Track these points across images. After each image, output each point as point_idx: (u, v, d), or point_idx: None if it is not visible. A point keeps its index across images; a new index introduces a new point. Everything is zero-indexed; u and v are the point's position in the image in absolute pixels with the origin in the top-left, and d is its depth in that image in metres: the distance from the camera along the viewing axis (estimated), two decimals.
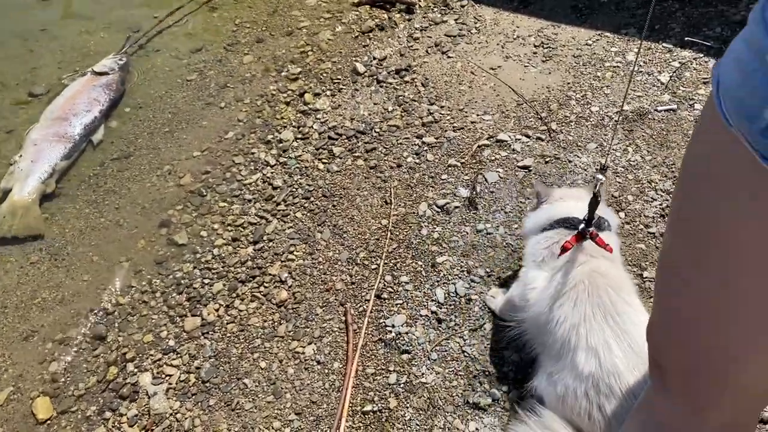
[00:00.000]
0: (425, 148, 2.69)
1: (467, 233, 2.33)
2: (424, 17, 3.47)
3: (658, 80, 2.88)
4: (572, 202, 1.83)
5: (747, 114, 0.60)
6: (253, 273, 2.26)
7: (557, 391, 1.59)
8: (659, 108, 2.73)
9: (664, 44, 3.07)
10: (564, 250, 1.66)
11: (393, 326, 2.06)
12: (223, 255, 2.34)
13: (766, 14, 0.59)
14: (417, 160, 2.64)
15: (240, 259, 2.32)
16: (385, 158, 2.67)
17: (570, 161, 2.55)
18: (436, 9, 3.53)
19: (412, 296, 2.14)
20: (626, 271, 1.80)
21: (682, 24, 3.16)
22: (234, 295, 2.21)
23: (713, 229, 0.71)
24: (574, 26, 3.28)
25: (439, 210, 2.43)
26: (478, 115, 2.82)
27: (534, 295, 1.76)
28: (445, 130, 2.76)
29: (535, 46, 3.17)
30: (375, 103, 2.95)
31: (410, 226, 2.38)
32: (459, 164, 2.60)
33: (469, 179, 2.53)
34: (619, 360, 1.50)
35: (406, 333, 2.04)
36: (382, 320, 2.08)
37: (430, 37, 3.32)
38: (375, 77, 3.09)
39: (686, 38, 3.07)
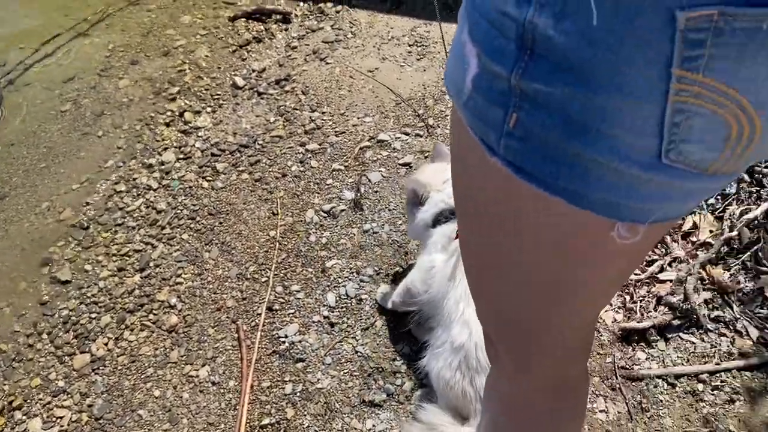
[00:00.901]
0: (309, 155, 2.72)
1: (354, 235, 2.37)
2: (300, 26, 3.50)
3: None
4: None
5: (456, 90, 0.66)
6: (141, 301, 2.22)
7: (438, 365, 1.65)
8: None
9: None
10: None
11: (286, 336, 2.07)
12: (109, 287, 2.29)
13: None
14: (302, 168, 2.66)
15: (127, 289, 2.27)
16: (270, 169, 2.67)
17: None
18: (312, 17, 3.56)
19: (303, 304, 2.16)
20: None
21: None
22: (123, 326, 2.16)
23: (472, 202, 0.76)
24: (446, 22, 3.38)
25: (326, 215, 2.46)
26: (358, 117, 2.87)
27: (433, 276, 1.79)
28: (328, 136, 2.79)
29: (409, 45, 3.25)
30: (257, 116, 2.95)
31: (298, 234, 2.40)
32: (343, 168, 2.64)
33: (353, 181, 2.57)
34: None
35: (300, 341, 2.06)
36: (275, 332, 2.09)
37: (308, 45, 3.34)
38: (255, 90, 3.09)
39: None
